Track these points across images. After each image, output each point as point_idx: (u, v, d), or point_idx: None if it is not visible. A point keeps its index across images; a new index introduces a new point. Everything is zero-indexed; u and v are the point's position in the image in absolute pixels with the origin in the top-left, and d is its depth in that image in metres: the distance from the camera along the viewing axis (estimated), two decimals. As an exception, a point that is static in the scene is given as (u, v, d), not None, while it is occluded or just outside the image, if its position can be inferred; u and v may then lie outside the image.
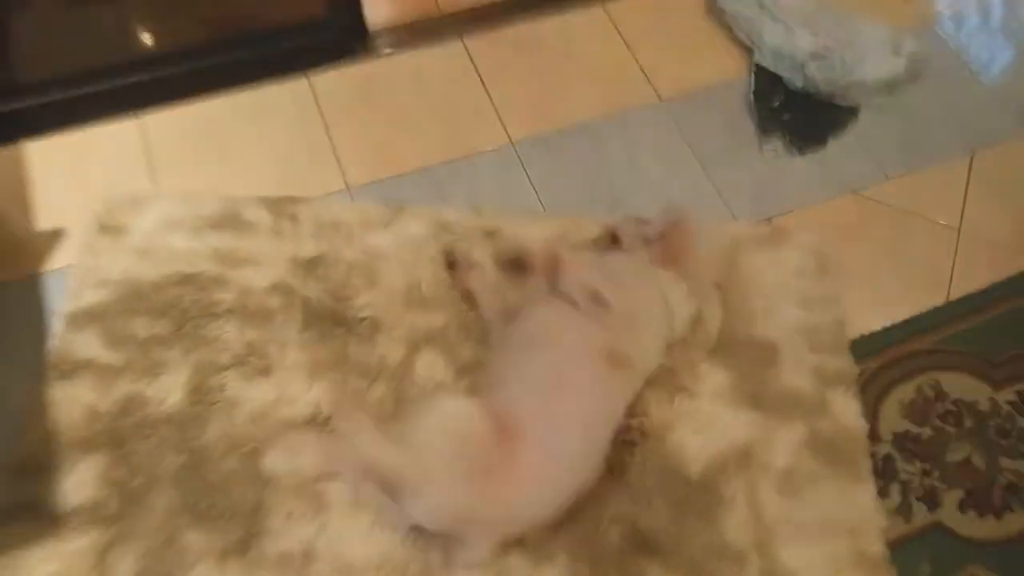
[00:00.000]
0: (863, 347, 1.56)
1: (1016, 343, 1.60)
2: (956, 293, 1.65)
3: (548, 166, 1.74)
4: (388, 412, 1.40)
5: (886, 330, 1.59)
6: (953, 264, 1.69)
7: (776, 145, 1.81)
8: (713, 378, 1.48)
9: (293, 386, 1.42)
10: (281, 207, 1.61)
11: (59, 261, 1.55)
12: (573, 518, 1.30)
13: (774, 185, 1.76)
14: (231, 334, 1.46)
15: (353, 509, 1.31)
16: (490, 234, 1.61)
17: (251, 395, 1.41)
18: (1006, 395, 1.54)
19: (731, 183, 1.75)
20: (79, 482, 1.31)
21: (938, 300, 1.64)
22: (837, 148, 1.82)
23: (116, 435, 1.35)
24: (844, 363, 1.53)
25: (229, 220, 1.58)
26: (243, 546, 1.28)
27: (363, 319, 1.49)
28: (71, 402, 1.38)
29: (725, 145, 1.80)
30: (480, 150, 1.75)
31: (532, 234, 1.61)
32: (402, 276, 1.55)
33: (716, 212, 1.70)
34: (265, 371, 1.43)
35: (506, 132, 1.77)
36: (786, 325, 1.56)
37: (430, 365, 1.46)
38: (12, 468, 1.33)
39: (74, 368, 1.41)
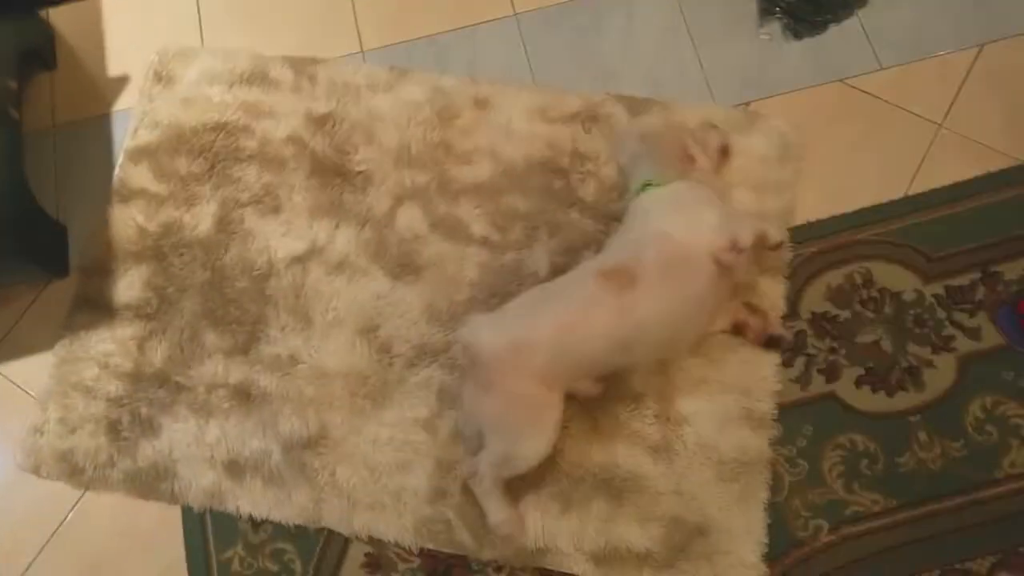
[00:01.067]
0: (806, 232, 1.67)
1: (960, 241, 1.64)
2: (916, 188, 1.70)
3: (545, 39, 1.86)
4: (372, 252, 1.69)
5: (833, 218, 1.68)
6: (922, 160, 1.72)
7: (773, 29, 1.84)
8: (653, 250, 1.66)
9: (296, 224, 1.72)
10: (303, 67, 1.84)
11: (123, 103, 1.87)
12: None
13: (762, 69, 1.80)
14: (251, 176, 1.76)
15: (332, 329, 1.64)
16: (480, 103, 1.79)
17: (263, 228, 1.72)
18: (934, 288, 1.62)
19: (719, 65, 1.81)
20: (128, 285, 1.69)
21: (897, 194, 1.70)
22: (837, 34, 1.82)
23: (158, 251, 1.71)
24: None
25: (258, 76, 1.84)
26: (246, 347, 1.63)
27: (359, 172, 1.75)
28: (127, 221, 1.74)
29: (722, 27, 1.85)
30: (484, 20, 1.88)
31: (519, 101, 1.78)
32: (396, 137, 1.77)
33: (697, 93, 1.79)
34: (276, 209, 1.73)
35: (512, 3, 1.89)
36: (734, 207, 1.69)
37: (410, 217, 1.71)
38: (82, 269, 1.72)
39: (130, 194, 1.76)
